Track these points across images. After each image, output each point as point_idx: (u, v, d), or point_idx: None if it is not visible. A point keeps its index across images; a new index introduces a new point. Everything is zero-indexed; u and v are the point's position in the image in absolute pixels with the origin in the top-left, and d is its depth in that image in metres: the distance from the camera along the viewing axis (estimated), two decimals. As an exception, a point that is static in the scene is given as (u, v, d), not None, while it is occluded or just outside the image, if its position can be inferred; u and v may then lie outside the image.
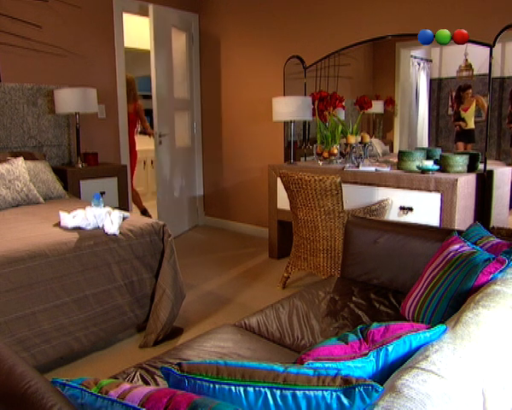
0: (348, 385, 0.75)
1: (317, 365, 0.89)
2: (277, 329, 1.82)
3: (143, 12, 4.52)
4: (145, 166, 6.84)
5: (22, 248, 2.10)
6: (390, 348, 0.95)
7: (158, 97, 4.47)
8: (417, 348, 0.97)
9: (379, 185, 3.22)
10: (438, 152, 3.46)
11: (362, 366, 0.92)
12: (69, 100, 3.74)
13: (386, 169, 3.35)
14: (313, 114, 3.99)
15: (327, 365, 0.89)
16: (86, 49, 4.16)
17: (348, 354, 0.96)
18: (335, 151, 3.75)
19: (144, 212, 5.18)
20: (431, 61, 3.85)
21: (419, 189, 3.01)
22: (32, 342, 2.12)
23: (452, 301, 1.50)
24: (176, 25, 4.74)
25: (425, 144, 3.87)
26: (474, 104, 3.49)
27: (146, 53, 6.15)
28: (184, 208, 5.12)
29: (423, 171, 3.08)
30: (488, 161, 3.15)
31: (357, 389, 0.74)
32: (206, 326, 2.72)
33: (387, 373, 0.93)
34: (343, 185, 2.94)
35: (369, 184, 3.27)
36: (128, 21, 4.88)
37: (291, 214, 3.27)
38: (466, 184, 2.96)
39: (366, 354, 0.94)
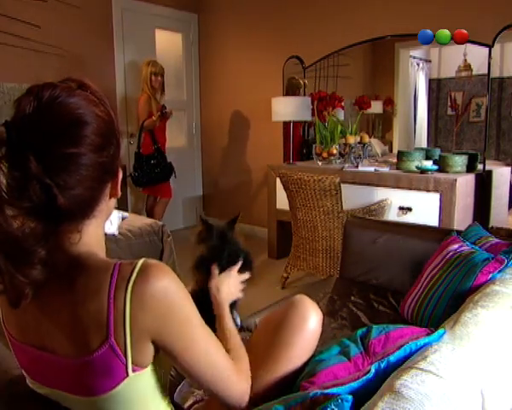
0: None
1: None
2: (276, 329, 1.82)
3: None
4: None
5: (21, 249, 2.10)
6: (392, 358, 0.96)
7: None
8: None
9: (378, 185, 3.22)
10: (437, 152, 3.46)
11: (366, 384, 0.92)
12: (68, 100, 3.73)
13: (386, 169, 3.35)
14: (312, 114, 3.98)
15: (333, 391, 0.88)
16: (86, 49, 4.15)
17: (352, 373, 0.95)
18: (334, 151, 3.75)
19: None
20: (430, 61, 3.86)
21: (418, 189, 3.01)
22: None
23: (451, 300, 1.50)
24: (162, 26, 4.76)
25: (424, 144, 3.87)
26: None
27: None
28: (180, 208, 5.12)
29: (422, 171, 3.08)
30: (487, 161, 3.15)
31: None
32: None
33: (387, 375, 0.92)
34: (342, 185, 2.93)
35: (369, 185, 3.27)
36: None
37: (290, 214, 3.27)
38: (465, 185, 2.96)
39: (369, 371, 0.93)
